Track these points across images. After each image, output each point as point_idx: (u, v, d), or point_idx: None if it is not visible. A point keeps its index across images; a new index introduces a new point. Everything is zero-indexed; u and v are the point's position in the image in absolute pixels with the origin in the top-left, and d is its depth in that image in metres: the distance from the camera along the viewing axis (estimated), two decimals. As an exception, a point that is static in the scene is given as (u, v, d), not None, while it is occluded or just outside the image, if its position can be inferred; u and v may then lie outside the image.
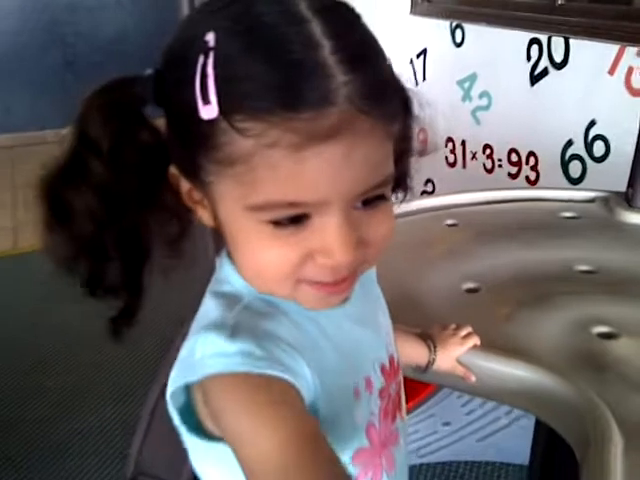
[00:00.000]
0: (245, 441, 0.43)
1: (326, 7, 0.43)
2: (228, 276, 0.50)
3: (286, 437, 0.41)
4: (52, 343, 2.18)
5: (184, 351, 0.47)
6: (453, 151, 2.63)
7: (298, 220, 0.43)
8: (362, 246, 0.45)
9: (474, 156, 2.51)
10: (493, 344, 0.77)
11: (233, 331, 0.45)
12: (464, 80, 2.45)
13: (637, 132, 1.19)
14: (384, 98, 0.43)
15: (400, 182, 0.55)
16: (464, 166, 2.58)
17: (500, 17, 2.28)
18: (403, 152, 0.51)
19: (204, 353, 0.44)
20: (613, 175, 1.50)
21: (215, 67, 0.40)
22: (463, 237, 1.08)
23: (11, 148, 4.21)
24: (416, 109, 0.52)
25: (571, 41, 1.96)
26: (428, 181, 2.74)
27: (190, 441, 0.50)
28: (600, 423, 0.65)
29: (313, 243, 0.43)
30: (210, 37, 0.40)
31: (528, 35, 2.11)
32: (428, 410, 1.70)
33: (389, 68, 0.46)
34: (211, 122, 0.41)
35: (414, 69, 2.78)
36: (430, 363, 0.75)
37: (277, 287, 0.47)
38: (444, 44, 2.54)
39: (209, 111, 0.40)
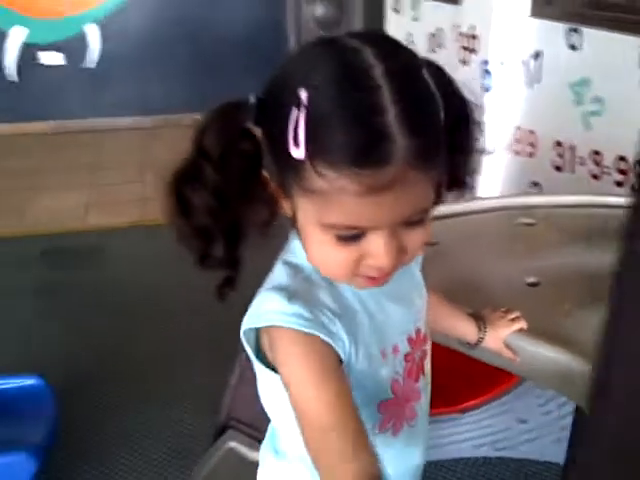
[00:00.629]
0: (296, 393, 0.58)
1: (398, 72, 0.54)
2: (295, 249, 0.64)
3: (327, 401, 0.56)
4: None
5: (255, 302, 0.62)
6: (562, 155, 2.61)
7: (356, 237, 0.57)
8: (401, 253, 0.58)
9: (582, 162, 2.48)
10: (542, 331, 0.86)
11: (291, 295, 0.59)
12: (577, 84, 2.43)
13: None
14: (433, 156, 0.55)
15: (454, 183, 0.65)
16: (572, 171, 2.56)
17: (618, 21, 2.24)
18: (456, 161, 0.62)
19: (267, 308, 0.59)
20: None
21: (306, 121, 0.53)
22: (536, 236, 1.15)
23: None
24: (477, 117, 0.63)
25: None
26: (535, 184, 2.74)
27: (258, 369, 0.65)
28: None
29: (366, 250, 0.57)
30: (303, 95, 0.53)
31: (646, 41, 2.07)
32: (504, 406, 1.76)
33: (439, 121, 0.56)
34: (299, 160, 0.54)
35: (528, 70, 2.77)
36: (479, 341, 0.85)
37: (336, 277, 0.61)
38: (559, 47, 2.52)
39: (298, 153, 0.54)
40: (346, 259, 0.57)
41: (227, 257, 0.62)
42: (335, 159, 0.52)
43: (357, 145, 0.51)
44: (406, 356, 0.67)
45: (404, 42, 0.60)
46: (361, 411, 0.58)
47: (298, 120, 0.53)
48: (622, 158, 2.24)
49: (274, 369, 0.62)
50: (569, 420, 1.73)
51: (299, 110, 0.53)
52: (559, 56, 2.53)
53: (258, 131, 0.59)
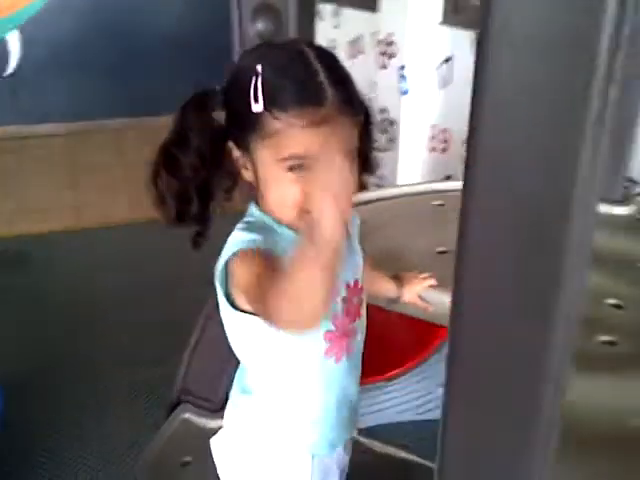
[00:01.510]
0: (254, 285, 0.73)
1: (324, 55, 0.77)
2: (252, 212, 0.80)
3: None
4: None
5: (224, 248, 0.78)
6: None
7: (305, 167, 0.73)
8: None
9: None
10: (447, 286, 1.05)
11: (251, 230, 0.77)
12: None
13: None
14: (352, 104, 0.74)
15: (366, 162, 0.84)
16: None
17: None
18: (366, 139, 0.81)
19: (232, 241, 0.75)
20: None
21: (262, 83, 0.72)
22: (445, 214, 1.36)
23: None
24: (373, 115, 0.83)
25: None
26: (448, 177, 3.00)
27: (228, 314, 0.80)
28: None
29: (314, 182, 0.73)
30: (259, 67, 0.74)
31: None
32: (424, 372, 1.96)
33: (356, 90, 0.77)
34: (258, 114, 0.73)
35: (441, 74, 3.03)
36: (399, 296, 1.04)
37: (289, 212, 0.76)
38: (468, 52, 2.79)
39: (257, 107, 0.73)
40: (299, 191, 0.74)
41: (200, 213, 0.79)
42: (285, 103, 0.72)
43: (301, 92, 0.73)
44: (343, 299, 0.83)
45: (327, 47, 0.82)
46: (311, 337, 0.75)
47: (257, 84, 0.73)
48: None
49: (242, 311, 0.77)
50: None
51: (257, 77, 0.73)
52: (468, 61, 2.80)
53: (223, 114, 0.78)
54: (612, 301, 1.07)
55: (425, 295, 1.03)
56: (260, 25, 1.08)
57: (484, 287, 0.44)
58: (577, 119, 0.35)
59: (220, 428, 1.45)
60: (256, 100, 0.72)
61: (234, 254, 0.74)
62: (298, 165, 0.73)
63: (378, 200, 1.36)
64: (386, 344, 1.75)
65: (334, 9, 4.08)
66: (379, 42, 3.34)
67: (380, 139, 0.99)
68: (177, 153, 0.77)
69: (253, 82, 0.73)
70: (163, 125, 0.83)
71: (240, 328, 0.80)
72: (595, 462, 0.73)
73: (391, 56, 3.22)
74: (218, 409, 1.49)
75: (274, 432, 0.86)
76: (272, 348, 0.79)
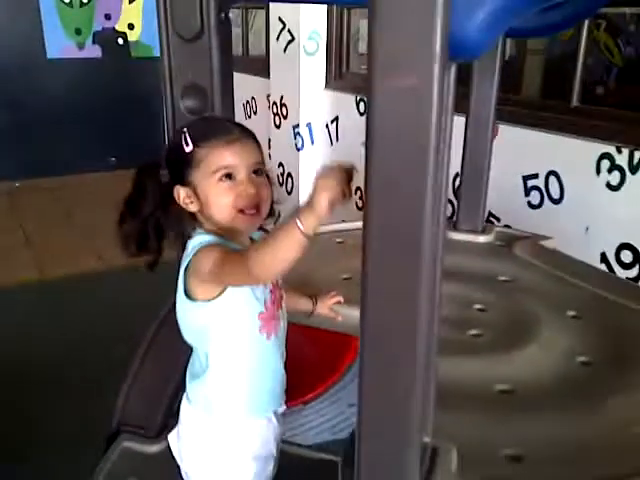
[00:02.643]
0: (215, 264, 0.94)
1: (236, 123, 1.05)
2: (199, 237, 1.02)
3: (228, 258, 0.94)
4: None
5: (183, 260, 0.99)
6: (362, 198, 3.23)
7: (230, 176, 0.98)
8: (259, 194, 0.99)
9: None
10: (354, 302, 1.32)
11: (207, 235, 0.99)
12: (367, 142, 3.08)
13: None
14: (252, 135, 1.02)
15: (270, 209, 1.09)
16: (370, 210, 3.18)
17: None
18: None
19: (194, 244, 0.97)
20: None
21: (188, 134, 0.98)
22: (345, 249, 1.64)
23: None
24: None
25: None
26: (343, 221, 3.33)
27: (185, 306, 1.01)
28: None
29: (240, 186, 0.98)
30: (184, 129, 0.99)
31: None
32: (335, 395, 2.20)
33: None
34: (190, 152, 0.98)
35: (329, 132, 3.40)
36: (314, 309, 1.28)
37: (229, 213, 0.99)
38: (352, 113, 3.18)
39: (189, 148, 0.98)
40: (230, 195, 0.98)
41: (155, 247, 1.02)
42: (206, 137, 0.99)
43: (215, 130, 1.01)
44: (271, 290, 1.06)
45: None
46: (250, 317, 1.00)
47: (185, 135, 0.99)
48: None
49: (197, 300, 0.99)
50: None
51: (184, 133, 0.99)
52: (352, 120, 3.18)
53: (166, 173, 1.01)
54: (478, 306, 1.38)
55: (336, 309, 1.29)
56: (188, 102, 1.32)
57: (383, 298, 0.70)
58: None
59: (160, 451, 1.61)
60: (187, 144, 0.98)
61: (194, 254, 0.96)
62: (226, 175, 0.97)
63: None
64: (300, 369, 1.97)
65: (227, 73, 4.41)
66: (272, 104, 3.67)
67: (279, 191, 1.21)
68: (137, 202, 1.00)
69: (182, 137, 0.99)
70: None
71: (194, 316, 1.01)
72: (469, 412, 0.99)
73: (284, 117, 3.56)
74: (156, 435, 1.64)
75: (223, 403, 1.06)
76: (219, 328, 1.01)
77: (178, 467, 1.22)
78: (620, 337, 1.25)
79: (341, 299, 1.30)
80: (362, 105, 3.11)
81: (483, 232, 1.74)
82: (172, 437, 1.19)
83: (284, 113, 3.57)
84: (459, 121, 2.38)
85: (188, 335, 1.07)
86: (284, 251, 0.88)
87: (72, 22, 5.02)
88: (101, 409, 2.04)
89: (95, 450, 1.69)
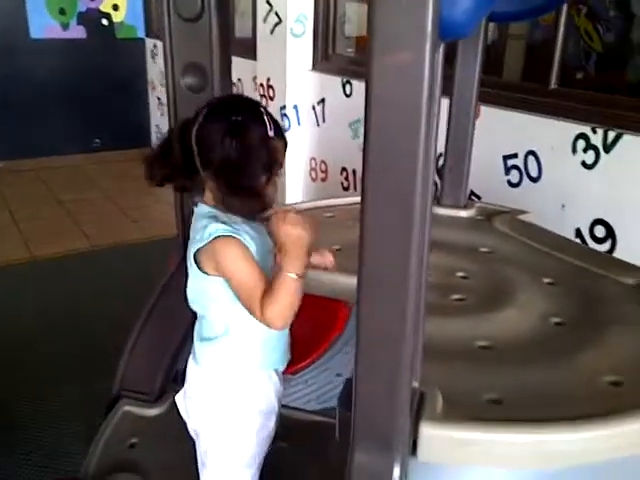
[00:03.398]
0: (238, 272, 1.04)
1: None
2: (203, 209, 1.09)
3: (253, 272, 1.03)
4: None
5: (197, 235, 1.06)
6: (347, 178, 3.31)
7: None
8: None
9: (363, 182, 3.20)
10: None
11: (221, 222, 1.05)
12: (353, 123, 3.15)
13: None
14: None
15: None
16: (355, 189, 3.27)
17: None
18: None
19: (209, 231, 1.04)
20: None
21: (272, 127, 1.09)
22: (335, 223, 1.73)
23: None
24: None
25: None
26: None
27: (197, 278, 1.09)
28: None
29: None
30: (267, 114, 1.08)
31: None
32: (324, 364, 2.29)
33: None
34: (269, 138, 1.08)
35: (316, 113, 3.47)
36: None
37: (256, 205, 1.08)
38: (338, 95, 3.24)
39: (271, 133, 1.08)
40: (275, 190, 1.09)
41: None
42: (283, 135, 1.12)
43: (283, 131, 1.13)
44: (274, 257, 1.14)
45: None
46: None
47: (271, 123, 1.10)
48: (390, 177, 2.98)
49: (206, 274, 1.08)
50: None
51: (269, 116, 1.09)
52: (339, 101, 3.25)
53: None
54: (461, 274, 1.47)
55: (331, 278, 1.37)
56: (188, 80, 1.39)
57: (376, 262, 0.78)
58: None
59: (159, 414, 1.69)
60: (271, 129, 1.06)
61: (215, 238, 1.03)
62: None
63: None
64: (291, 339, 2.06)
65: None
66: (259, 85, 3.72)
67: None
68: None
69: (267, 120, 1.07)
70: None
71: (208, 287, 1.09)
72: (453, 364, 1.09)
73: (271, 98, 3.61)
74: (154, 400, 1.72)
75: (234, 363, 1.15)
76: (232, 298, 1.09)
77: (184, 426, 1.30)
78: (591, 301, 1.35)
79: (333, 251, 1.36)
80: (348, 87, 3.19)
81: (465, 207, 1.84)
82: (179, 398, 1.27)
83: (271, 95, 3.63)
84: (444, 102, 2.48)
85: (200, 304, 1.15)
86: (290, 299, 1.03)
87: (56, 2, 4.99)
88: (84, 381, 2.10)
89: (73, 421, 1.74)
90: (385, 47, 0.70)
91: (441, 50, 0.87)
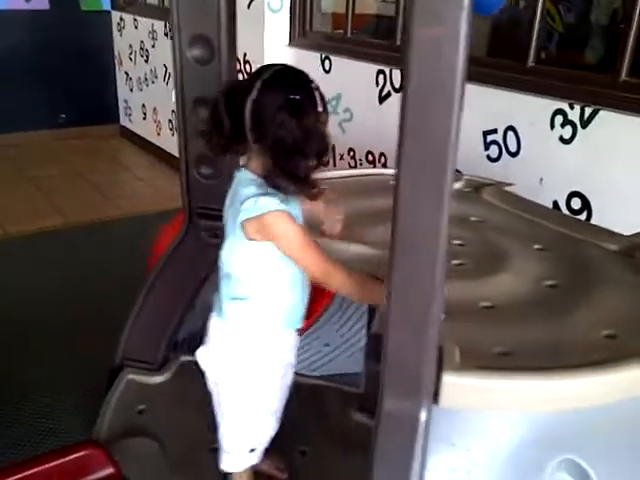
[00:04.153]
0: (297, 247, 1.11)
1: None
2: (245, 174, 1.14)
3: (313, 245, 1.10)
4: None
5: (246, 205, 1.11)
6: (353, 157, 3.36)
7: None
8: None
9: (342, 157, 3.26)
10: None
11: (270, 195, 1.10)
12: (332, 99, 3.19)
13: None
14: None
15: None
16: (334, 165, 3.32)
17: (355, 52, 3.05)
18: None
19: (261, 203, 1.09)
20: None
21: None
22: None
23: None
24: None
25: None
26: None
27: (240, 242, 1.14)
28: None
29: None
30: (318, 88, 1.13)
31: (376, 67, 2.89)
32: (314, 333, 2.36)
33: None
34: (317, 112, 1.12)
35: (293, 89, 3.49)
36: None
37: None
38: (317, 70, 3.27)
39: (320, 108, 1.13)
40: None
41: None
42: (327, 109, 1.16)
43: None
44: None
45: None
46: None
47: (320, 97, 1.15)
48: (369, 152, 3.04)
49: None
50: (356, 338, 2.39)
51: (318, 91, 1.14)
52: (318, 77, 3.27)
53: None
54: (457, 241, 1.55)
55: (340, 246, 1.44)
56: (195, 51, 1.41)
57: (412, 221, 0.85)
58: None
59: (164, 381, 1.73)
60: (320, 104, 1.11)
61: (269, 211, 1.09)
62: None
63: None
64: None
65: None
66: (237, 61, 3.71)
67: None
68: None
69: (317, 94, 1.11)
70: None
71: (248, 251, 1.15)
72: (461, 323, 1.17)
73: (248, 74, 3.62)
74: (158, 368, 1.76)
75: (262, 320, 1.24)
76: (271, 262, 1.16)
77: (189, 392, 1.35)
78: (579, 265, 1.45)
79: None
80: (327, 63, 3.22)
81: (454, 180, 1.91)
82: (201, 353, 1.32)
83: (247, 70, 3.63)
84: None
85: (235, 266, 1.20)
86: (364, 297, 1.20)
87: (19, -28, 4.84)
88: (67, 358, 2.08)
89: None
90: (424, 20, 0.75)
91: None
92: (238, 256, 1.19)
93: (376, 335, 1.04)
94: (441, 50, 0.75)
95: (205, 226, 1.50)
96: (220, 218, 1.51)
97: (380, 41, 2.99)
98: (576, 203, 2.20)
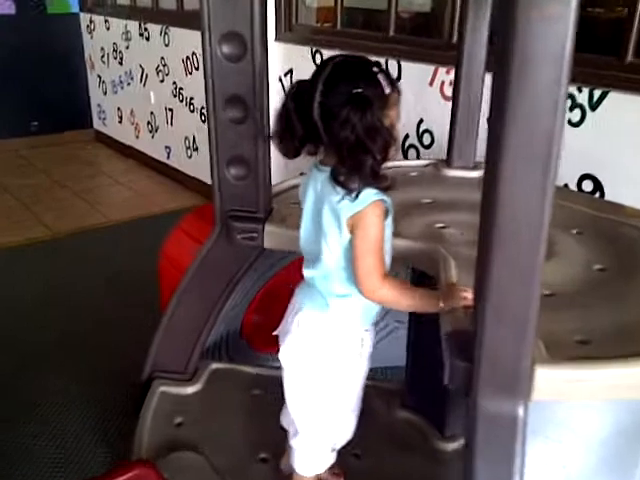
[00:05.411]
0: (368, 241, 1.09)
1: None
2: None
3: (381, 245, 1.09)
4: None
5: (345, 201, 1.09)
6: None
7: None
8: None
9: (337, 151, 3.22)
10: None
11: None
12: (325, 93, 3.15)
13: (449, 125, 1.93)
14: None
15: None
16: (330, 160, 3.28)
17: (348, 44, 3.01)
18: None
19: (365, 195, 1.08)
20: (438, 155, 2.26)
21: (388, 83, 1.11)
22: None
23: None
24: None
25: (402, 63, 2.74)
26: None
27: (345, 239, 1.13)
28: (446, 260, 1.32)
29: None
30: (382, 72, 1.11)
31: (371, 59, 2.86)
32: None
33: None
34: (387, 94, 1.10)
35: (283, 84, 3.43)
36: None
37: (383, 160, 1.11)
38: (307, 65, 3.22)
39: (388, 90, 1.10)
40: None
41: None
42: (397, 87, 1.13)
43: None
44: None
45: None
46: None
47: (387, 79, 1.11)
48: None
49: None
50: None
51: (383, 74, 1.11)
52: (309, 71, 3.22)
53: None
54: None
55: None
56: (226, 48, 1.35)
57: (514, 215, 0.82)
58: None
59: (196, 391, 1.67)
60: (388, 86, 1.07)
61: (370, 202, 1.08)
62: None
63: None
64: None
65: (161, 28, 4.29)
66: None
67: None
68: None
69: (383, 77, 1.08)
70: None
71: (348, 248, 1.14)
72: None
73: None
74: (190, 379, 1.70)
75: (360, 315, 1.25)
76: None
77: (225, 399, 1.29)
78: (620, 247, 1.45)
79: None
80: (318, 56, 3.17)
81: (475, 168, 1.90)
82: (286, 349, 1.30)
83: (233, 67, 3.56)
84: (442, 71, 2.52)
85: (339, 265, 1.18)
86: (410, 307, 1.18)
87: (-17, -25, 4.65)
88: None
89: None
90: (532, 2, 0.72)
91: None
92: (340, 254, 1.16)
93: (458, 332, 1.01)
94: (552, 32, 0.72)
95: (239, 228, 1.44)
96: (255, 220, 1.47)
97: (374, 33, 2.96)
98: (588, 185, 2.21)
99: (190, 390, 1.65)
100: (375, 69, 1.08)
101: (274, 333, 1.34)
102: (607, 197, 2.17)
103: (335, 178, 1.07)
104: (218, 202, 1.47)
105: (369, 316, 1.28)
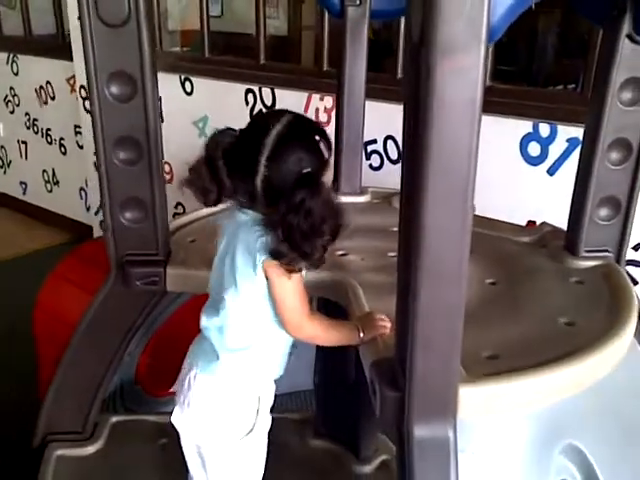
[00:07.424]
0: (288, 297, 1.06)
1: None
2: (249, 214, 1.08)
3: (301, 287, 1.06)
4: None
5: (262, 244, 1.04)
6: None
7: None
8: None
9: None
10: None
11: None
12: (199, 121, 3.10)
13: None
14: None
15: None
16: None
17: (219, 72, 2.99)
18: None
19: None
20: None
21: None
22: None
23: None
24: None
25: (275, 90, 2.77)
26: (178, 204, 3.32)
27: (255, 287, 1.09)
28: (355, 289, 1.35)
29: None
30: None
31: (244, 86, 2.87)
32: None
33: None
34: (324, 160, 1.11)
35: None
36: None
37: None
38: (177, 93, 3.16)
39: (327, 155, 1.09)
40: None
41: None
42: (330, 154, 1.13)
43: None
44: None
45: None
46: None
47: (327, 144, 1.11)
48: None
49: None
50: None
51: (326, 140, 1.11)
52: (179, 99, 3.16)
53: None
54: (391, 254, 1.59)
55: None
56: (114, 89, 1.29)
57: (438, 253, 0.86)
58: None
59: (95, 451, 1.56)
60: (327, 150, 1.06)
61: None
62: None
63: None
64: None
65: (8, 56, 4.00)
66: (80, 88, 3.46)
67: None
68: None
69: (323, 142, 1.05)
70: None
71: (260, 295, 1.10)
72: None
73: (84, 99, 3.38)
74: (89, 437, 1.59)
75: (255, 372, 1.17)
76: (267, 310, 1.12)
77: (126, 455, 1.21)
78: (503, 260, 1.57)
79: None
80: (188, 84, 3.12)
81: (362, 193, 1.97)
82: (179, 415, 1.21)
83: (84, 95, 3.40)
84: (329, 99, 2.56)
85: (245, 313, 1.11)
86: (336, 341, 1.14)
87: None
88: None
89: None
90: (445, 52, 0.77)
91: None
92: (248, 298, 1.11)
93: (382, 362, 1.04)
94: (463, 81, 0.78)
95: (138, 274, 1.38)
96: (155, 263, 1.41)
97: (245, 60, 2.96)
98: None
99: (91, 449, 1.54)
100: (317, 137, 1.04)
101: (171, 390, 1.28)
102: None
103: (275, 252, 1.04)
104: (112, 247, 1.39)
105: (271, 370, 1.22)
